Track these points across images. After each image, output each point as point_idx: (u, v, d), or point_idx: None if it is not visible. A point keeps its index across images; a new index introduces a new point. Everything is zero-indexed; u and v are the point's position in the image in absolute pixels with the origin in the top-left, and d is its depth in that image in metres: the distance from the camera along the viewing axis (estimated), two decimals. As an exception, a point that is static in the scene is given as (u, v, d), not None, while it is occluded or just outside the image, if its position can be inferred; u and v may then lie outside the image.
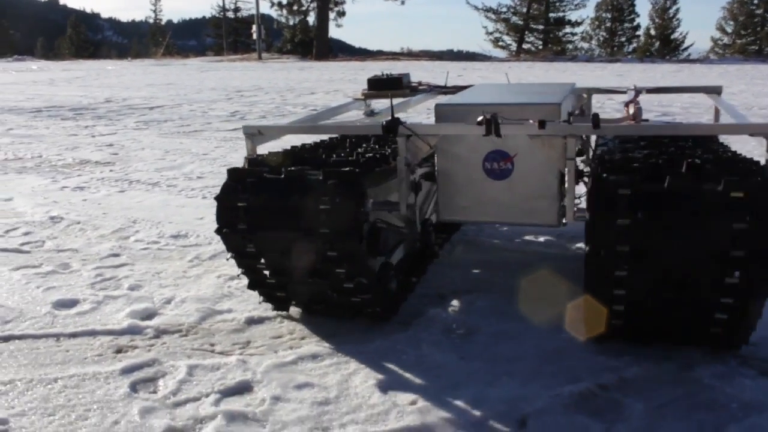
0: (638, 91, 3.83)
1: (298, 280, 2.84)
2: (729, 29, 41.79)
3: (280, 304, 3.05)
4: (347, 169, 2.66)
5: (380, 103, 4.17)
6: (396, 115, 2.88)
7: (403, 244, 3.36)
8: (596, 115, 2.68)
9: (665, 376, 2.46)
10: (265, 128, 3.14)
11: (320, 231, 2.59)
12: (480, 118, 2.69)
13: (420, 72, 21.65)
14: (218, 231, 2.78)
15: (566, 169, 2.83)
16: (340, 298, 2.84)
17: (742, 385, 2.38)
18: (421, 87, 4.49)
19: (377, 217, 2.97)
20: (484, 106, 2.94)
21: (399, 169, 2.94)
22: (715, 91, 4.13)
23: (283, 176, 2.66)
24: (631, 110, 3.26)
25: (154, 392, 2.41)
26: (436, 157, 3.22)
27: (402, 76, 4.35)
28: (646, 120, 2.98)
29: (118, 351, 2.72)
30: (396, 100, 3.73)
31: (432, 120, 3.22)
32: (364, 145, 3.25)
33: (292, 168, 2.72)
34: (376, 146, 3.23)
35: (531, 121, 2.71)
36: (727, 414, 2.22)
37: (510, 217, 3.09)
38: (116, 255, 3.89)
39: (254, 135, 3.07)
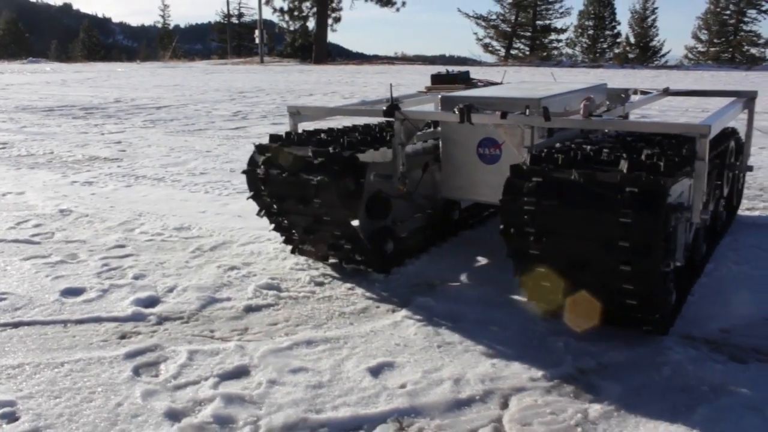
0: (665, 92, 4.03)
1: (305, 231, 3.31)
2: (703, 38, 41.85)
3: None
4: (349, 153, 3.08)
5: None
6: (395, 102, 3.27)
7: (419, 216, 3.72)
8: (546, 109, 2.85)
9: (641, 361, 2.45)
10: (303, 108, 3.63)
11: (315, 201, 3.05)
12: (456, 108, 2.99)
13: (414, 75, 21.63)
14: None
15: (524, 156, 2.90)
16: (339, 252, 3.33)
17: (714, 370, 2.38)
18: (479, 83, 4.50)
19: (380, 187, 3.35)
20: (472, 98, 3.18)
21: (394, 147, 3.30)
22: (748, 96, 4.02)
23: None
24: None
25: (156, 376, 2.39)
26: (440, 143, 3.55)
27: (460, 73, 4.52)
28: (599, 115, 3.00)
29: (122, 337, 2.70)
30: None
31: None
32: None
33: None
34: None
35: (496, 113, 2.94)
36: (699, 396, 2.21)
37: (497, 198, 3.12)
38: (122, 246, 3.86)
39: (294, 114, 3.56)
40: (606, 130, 3.29)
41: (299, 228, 3.33)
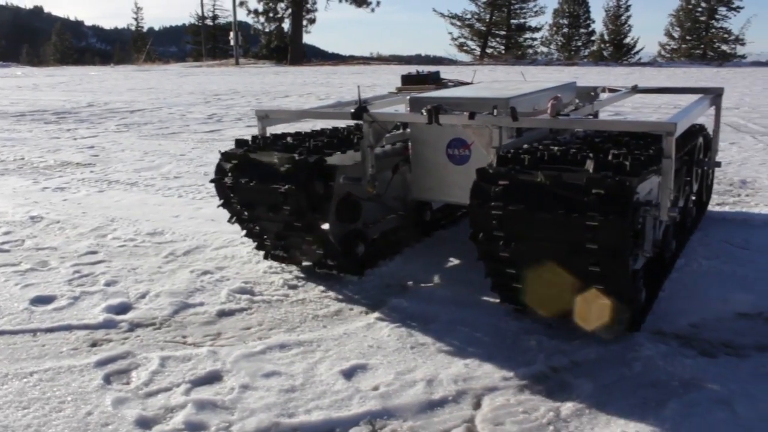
0: (634, 90, 4.07)
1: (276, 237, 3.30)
2: (676, 35, 42.31)
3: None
4: (316, 157, 3.06)
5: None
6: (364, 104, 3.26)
7: (390, 218, 3.71)
8: (513, 109, 2.84)
9: (613, 357, 2.47)
10: (272, 112, 3.62)
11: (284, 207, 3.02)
12: (424, 109, 2.98)
13: (389, 75, 21.64)
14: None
15: (491, 157, 2.84)
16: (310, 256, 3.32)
17: (684, 365, 2.41)
18: (449, 83, 4.52)
19: (350, 190, 3.31)
20: (441, 99, 3.17)
21: (362, 149, 3.26)
22: (715, 92, 4.09)
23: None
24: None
25: (127, 383, 2.37)
26: (410, 144, 3.52)
27: (430, 73, 4.53)
28: (567, 114, 3.01)
29: (93, 345, 2.67)
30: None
31: None
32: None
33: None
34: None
35: (464, 113, 2.91)
36: (669, 391, 2.24)
37: (467, 199, 3.13)
38: (94, 252, 3.82)
39: (263, 118, 3.55)
40: (576, 130, 3.30)
41: (270, 234, 3.30)
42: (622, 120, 3.49)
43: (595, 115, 3.91)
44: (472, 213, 2.55)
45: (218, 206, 3.36)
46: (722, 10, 40.68)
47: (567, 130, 3.35)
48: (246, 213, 3.23)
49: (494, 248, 2.55)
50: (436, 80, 4.44)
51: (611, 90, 4.23)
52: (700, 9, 41.19)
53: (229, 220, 3.40)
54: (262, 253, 3.55)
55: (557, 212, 2.35)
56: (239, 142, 3.32)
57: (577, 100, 3.84)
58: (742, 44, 40.11)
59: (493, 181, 2.49)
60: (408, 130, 3.64)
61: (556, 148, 2.69)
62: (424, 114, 3.00)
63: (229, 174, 3.14)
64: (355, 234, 3.37)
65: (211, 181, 3.25)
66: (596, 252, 2.34)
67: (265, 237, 3.37)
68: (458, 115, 2.97)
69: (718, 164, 4.26)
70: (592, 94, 4.14)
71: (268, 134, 3.50)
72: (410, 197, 3.67)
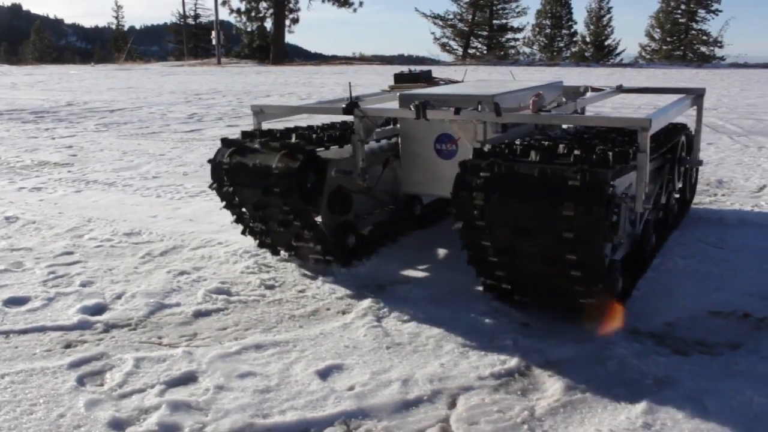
0: (619, 89, 4.24)
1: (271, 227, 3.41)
2: (656, 36, 42.70)
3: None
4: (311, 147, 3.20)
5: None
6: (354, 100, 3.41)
7: (380, 211, 3.84)
8: (497, 104, 2.94)
9: (588, 356, 2.49)
10: (266, 107, 3.72)
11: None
12: (412, 105, 3.08)
13: (371, 76, 21.65)
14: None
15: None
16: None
17: (657, 363, 2.42)
18: (440, 81, 4.59)
19: (341, 183, 3.43)
20: (429, 96, 3.27)
21: (353, 143, 3.40)
22: (697, 93, 4.19)
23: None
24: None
25: (101, 385, 2.35)
26: (399, 139, 3.64)
27: (422, 72, 4.61)
28: (548, 110, 3.09)
29: (67, 346, 2.64)
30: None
31: None
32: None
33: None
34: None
35: (451, 109, 3.02)
36: (642, 389, 2.25)
37: None
38: (70, 253, 3.78)
39: (258, 113, 3.68)
40: (565, 127, 3.40)
41: (264, 223, 3.40)
42: (600, 116, 3.57)
43: (582, 112, 4.00)
44: (455, 203, 2.66)
45: (210, 186, 3.44)
46: (701, 12, 41.14)
47: (558, 127, 3.44)
48: (238, 200, 3.35)
49: (476, 237, 2.65)
50: (428, 79, 4.52)
51: (597, 90, 4.31)
52: (679, 11, 41.63)
53: (225, 207, 3.50)
54: (240, 252, 3.54)
55: (536, 203, 2.45)
56: (244, 134, 3.45)
57: (563, 99, 3.90)
58: (721, 46, 40.66)
59: (475, 173, 2.58)
60: (398, 125, 3.73)
61: (534, 141, 2.74)
62: (412, 109, 3.10)
63: (227, 159, 3.25)
64: (346, 225, 3.48)
65: (209, 161, 3.35)
66: (572, 241, 2.43)
67: (258, 226, 3.46)
68: (445, 110, 3.08)
69: (700, 162, 4.37)
70: (581, 92, 4.22)
71: (263, 128, 3.61)
72: (400, 191, 3.80)
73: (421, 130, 3.47)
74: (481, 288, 2.97)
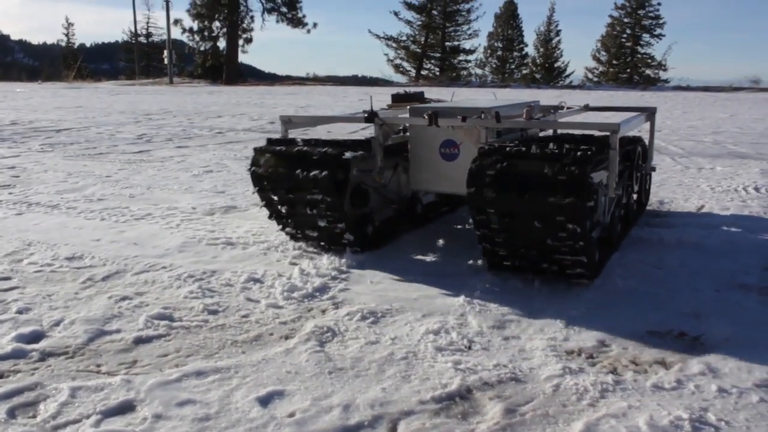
0: (586, 108, 5.16)
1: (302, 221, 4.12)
2: (603, 59, 43.86)
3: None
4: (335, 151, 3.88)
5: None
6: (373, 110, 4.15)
7: (390, 207, 4.51)
8: (497, 113, 3.71)
9: (526, 378, 2.52)
10: (294, 117, 4.52)
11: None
12: (426, 114, 3.90)
13: (324, 97, 21.70)
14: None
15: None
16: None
17: (594, 383, 2.47)
18: (432, 102, 5.12)
19: (362, 181, 4.08)
20: (436, 108, 4.05)
21: (374, 146, 4.06)
22: (650, 110, 5.11)
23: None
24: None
25: (33, 417, 2.28)
26: (409, 144, 4.28)
27: (415, 93, 5.40)
28: (538, 118, 4.00)
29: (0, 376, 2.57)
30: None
31: None
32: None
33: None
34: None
35: (458, 117, 3.83)
36: (578, 410, 2.30)
37: (456, 189, 3.87)
38: (7, 278, 3.68)
39: (286, 122, 4.42)
40: (542, 134, 4.42)
41: (297, 215, 4.03)
42: (578, 121, 4.10)
43: None
44: (473, 198, 3.39)
45: (253, 193, 4.18)
46: (646, 36, 42.45)
47: (537, 135, 4.41)
48: (276, 196, 4.00)
49: (488, 222, 3.44)
50: (420, 98, 5.21)
51: (568, 108, 5.01)
52: (625, 35, 42.88)
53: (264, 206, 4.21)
54: (183, 277, 3.51)
55: (534, 193, 3.21)
56: (270, 141, 4.13)
57: (540, 114, 4.53)
58: (665, 69, 41.98)
59: (486, 169, 3.35)
60: (407, 134, 4.39)
61: (528, 145, 3.39)
62: (426, 118, 3.88)
63: (263, 163, 3.95)
64: (365, 216, 4.16)
65: (249, 170, 4.07)
66: (563, 222, 3.21)
67: (290, 218, 4.12)
68: (453, 119, 3.87)
69: (654, 168, 5.37)
70: (552, 110, 4.83)
71: (289, 137, 4.27)
72: (409, 188, 4.47)
73: (428, 136, 4.13)
74: (421, 313, 3.06)
